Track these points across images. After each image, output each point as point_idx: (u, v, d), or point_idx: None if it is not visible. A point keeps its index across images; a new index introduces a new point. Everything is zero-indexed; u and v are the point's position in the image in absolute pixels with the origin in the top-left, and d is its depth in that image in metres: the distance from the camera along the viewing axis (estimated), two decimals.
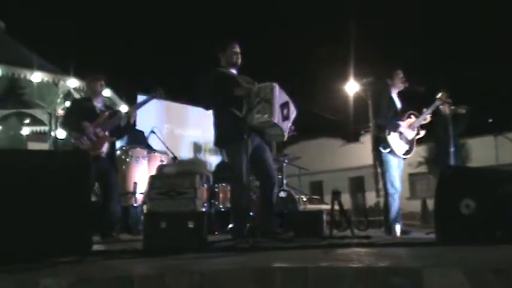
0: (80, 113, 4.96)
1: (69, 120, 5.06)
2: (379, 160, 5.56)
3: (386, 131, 5.36)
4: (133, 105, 5.39)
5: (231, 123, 4.26)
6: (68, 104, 5.33)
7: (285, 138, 4.51)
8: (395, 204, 5.34)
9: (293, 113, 4.44)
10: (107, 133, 4.92)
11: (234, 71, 4.59)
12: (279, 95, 4.20)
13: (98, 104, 5.10)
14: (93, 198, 5.03)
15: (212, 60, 4.69)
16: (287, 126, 4.38)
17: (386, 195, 5.41)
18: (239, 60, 4.58)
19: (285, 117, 4.31)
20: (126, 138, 7.01)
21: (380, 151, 5.42)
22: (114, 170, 5.10)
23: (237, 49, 4.58)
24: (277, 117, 4.17)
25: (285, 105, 4.29)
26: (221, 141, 4.50)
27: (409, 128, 5.45)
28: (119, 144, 6.79)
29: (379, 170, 6.07)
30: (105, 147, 4.89)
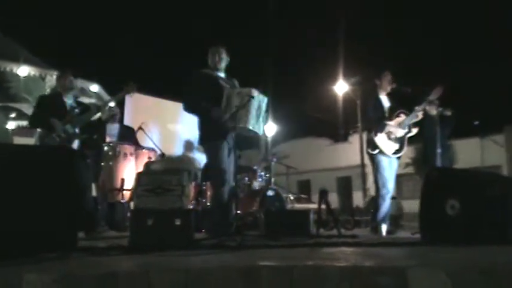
0: (48, 110, 4.84)
1: (38, 117, 4.94)
2: (371, 161, 5.58)
3: (373, 133, 5.41)
4: (105, 100, 5.29)
5: (211, 122, 4.35)
6: (36, 100, 5.26)
7: (260, 135, 4.59)
8: (384, 205, 5.37)
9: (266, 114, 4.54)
10: (77, 130, 4.83)
11: (220, 74, 4.62)
12: (256, 100, 4.27)
13: (69, 100, 5.01)
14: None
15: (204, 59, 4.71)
16: (261, 126, 4.46)
17: (378, 195, 5.43)
18: (221, 64, 4.62)
19: (260, 119, 4.39)
20: (117, 135, 6.97)
21: (370, 153, 5.46)
22: (86, 166, 4.98)
23: (220, 53, 4.61)
24: (251, 124, 4.25)
25: (258, 108, 4.36)
26: (202, 140, 4.56)
27: (398, 126, 5.48)
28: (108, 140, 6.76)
29: (367, 171, 6.11)
30: (74, 145, 4.81)
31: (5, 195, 2.71)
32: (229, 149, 4.45)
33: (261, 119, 4.40)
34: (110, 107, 5.94)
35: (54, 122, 4.67)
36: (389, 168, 5.46)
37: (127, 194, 6.35)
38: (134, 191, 4.03)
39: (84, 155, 5.04)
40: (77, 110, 4.91)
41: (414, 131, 5.62)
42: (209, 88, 4.44)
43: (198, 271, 2.12)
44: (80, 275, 2.04)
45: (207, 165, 7.29)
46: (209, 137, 4.46)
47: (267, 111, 4.51)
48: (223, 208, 4.32)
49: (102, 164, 6.00)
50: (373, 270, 2.04)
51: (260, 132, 4.49)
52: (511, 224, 3.30)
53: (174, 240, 3.25)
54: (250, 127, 4.27)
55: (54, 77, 9.51)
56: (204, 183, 6.73)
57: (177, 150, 9.06)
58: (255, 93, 4.28)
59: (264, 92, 4.48)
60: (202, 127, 4.56)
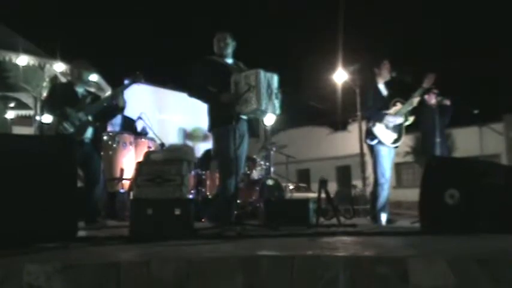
0: (61, 98, 4.89)
1: (51, 106, 5.00)
2: (370, 151, 5.59)
3: (372, 123, 5.42)
4: (116, 88, 5.32)
5: (220, 108, 4.28)
6: (49, 89, 5.26)
7: (277, 113, 4.51)
8: (384, 194, 5.39)
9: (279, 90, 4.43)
10: (89, 118, 4.87)
11: (227, 60, 4.58)
12: (264, 79, 4.22)
13: (80, 89, 5.04)
14: (79, 184, 4.99)
15: (203, 47, 4.68)
16: (276, 104, 4.38)
17: (376, 184, 5.45)
18: (227, 50, 4.57)
19: (272, 97, 4.31)
20: (120, 125, 6.97)
21: (369, 143, 5.47)
22: (98, 155, 5.06)
23: (225, 39, 4.56)
24: (264, 104, 4.20)
25: (268, 87, 4.29)
26: (211, 127, 4.52)
27: (396, 115, 5.48)
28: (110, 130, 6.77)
29: (367, 160, 6.13)
30: (88, 133, 4.85)
31: (3, 185, 2.72)
32: (240, 135, 4.37)
33: (273, 97, 4.33)
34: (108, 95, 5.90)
35: (68, 110, 4.72)
36: (388, 157, 5.48)
37: (126, 184, 6.38)
38: (134, 180, 4.03)
39: (97, 143, 5.08)
40: (88, 99, 4.96)
41: (411, 119, 5.63)
42: (216, 74, 4.38)
43: (199, 261, 2.13)
44: (82, 265, 2.04)
45: (207, 152, 7.31)
46: (219, 123, 4.37)
47: (279, 88, 4.41)
48: (228, 199, 4.29)
49: (102, 153, 6.01)
50: (373, 260, 2.05)
51: (277, 111, 4.40)
52: (509, 213, 3.31)
53: (174, 230, 3.26)
54: (263, 108, 4.20)
55: (54, 66, 9.46)
56: (203, 172, 6.75)
57: (173, 139, 9.07)
58: (261, 73, 4.21)
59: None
60: (212, 113, 4.48)
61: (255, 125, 4.69)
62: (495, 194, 3.35)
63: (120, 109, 5.25)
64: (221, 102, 4.24)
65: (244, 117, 4.43)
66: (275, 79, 4.37)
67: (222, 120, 4.29)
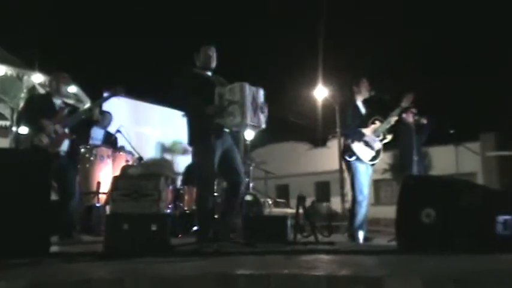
0: (39, 110, 4.82)
1: (27, 117, 4.92)
2: (347, 168, 5.61)
3: (350, 140, 5.45)
4: (96, 101, 5.27)
5: (201, 123, 4.24)
6: (26, 100, 5.23)
7: (262, 127, 4.47)
8: (361, 211, 5.40)
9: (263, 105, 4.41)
10: (66, 130, 4.80)
11: (208, 73, 4.56)
12: (249, 93, 4.20)
13: (58, 100, 4.98)
14: (53, 197, 4.90)
15: (185, 60, 4.64)
16: (261, 118, 4.35)
17: (354, 202, 5.46)
18: (212, 64, 4.55)
19: (258, 110, 4.29)
20: (101, 140, 6.88)
21: (347, 159, 5.49)
22: (74, 168, 4.98)
23: (210, 52, 4.55)
24: (249, 117, 4.17)
25: (253, 101, 4.27)
26: (191, 141, 4.47)
27: (374, 133, 5.53)
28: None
29: (346, 176, 6.14)
30: (64, 145, 4.78)
31: None
32: (227, 148, 4.31)
33: (259, 111, 4.28)
34: (105, 112, 5.83)
35: (44, 122, 4.64)
36: (366, 174, 5.51)
37: (103, 198, 6.27)
38: (110, 195, 3.97)
39: (74, 156, 5.00)
40: (65, 112, 4.89)
41: (389, 137, 5.68)
42: (200, 87, 4.30)
43: (174, 279, 2.10)
44: (52, 282, 1.99)
45: (188, 167, 7.25)
46: (201, 137, 4.25)
47: (265, 102, 4.36)
48: (205, 214, 4.24)
49: (79, 166, 5.91)
50: (349, 279, 2.04)
51: (262, 125, 4.33)
52: (484, 232, 3.35)
53: (150, 246, 3.22)
54: (248, 121, 4.14)
55: (32, 77, 9.34)
56: (181, 187, 6.69)
57: (152, 152, 9.00)
58: (247, 86, 4.17)
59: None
60: (193, 126, 4.38)
61: (236, 139, 4.64)
62: (472, 213, 3.39)
63: (94, 122, 5.19)
64: (206, 114, 4.19)
65: (227, 130, 4.38)
66: (261, 93, 4.35)
67: (202, 135, 4.25)
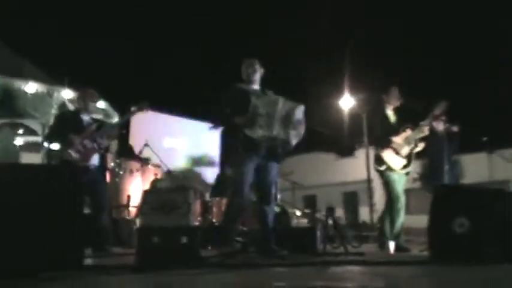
0: (67, 126, 4.94)
1: (56, 133, 5.04)
2: (381, 178, 5.53)
3: (379, 149, 5.39)
4: (121, 117, 5.37)
5: (239, 136, 4.25)
6: (55, 117, 5.38)
7: (292, 146, 4.44)
8: (399, 220, 5.31)
9: (300, 122, 4.38)
10: (95, 145, 4.89)
11: (254, 87, 4.54)
12: (282, 107, 4.21)
13: (85, 117, 5.09)
14: (86, 211, 4.98)
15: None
16: (294, 134, 4.33)
17: (391, 210, 5.36)
18: (255, 77, 4.54)
19: (289, 126, 4.27)
20: (115, 152, 6.99)
21: (378, 169, 5.43)
22: (104, 182, 5.06)
23: (253, 65, 4.55)
24: (275, 131, 4.17)
25: (286, 116, 4.25)
26: (228, 153, 4.49)
27: (405, 141, 5.45)
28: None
29: (374, 186, 6.05)
30: (94, 159, 4.87)
31: (8, 214, 2.72)
32: (260, 161, 4.24)
33: (290, 126, 4.27)
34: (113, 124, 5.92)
35: (72, 137, 4.76)
36: (399, 183, 5.42)
37: (133, 211, 6.36)
38: (140, 209, 4.02)
39: (104, 170, 5.10)
40: (93, 127, 4.99)
41: (421, 146, 5.58)
42: (235, 99, 4.31)
43: None
44: None
45: (218, 178, 7.27)
46: (231, 148, 4.30)
47: (304, 120, 4.33)
48: (233, 225, 4.22)
49: (109, 180, 6.01)
50: None
51: (290, 141, 4.31)
52: None
53: (180, 259, 3.23)
54: (273, 134, 4.16)
55: (62, 93, 9.57)
56: (210, 199, 6.72)
57: (180, 165, 9.08)
58: (280, 100, 4.20)
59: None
60: (228, 140, 4.41)
61: (274, 153, 4.54)
62: (506, 223, 3.31)
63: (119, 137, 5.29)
64: (234, 123, 4.21)
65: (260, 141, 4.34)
66: (299, 110, 4.34)
67: (232, 146, 4.28)
